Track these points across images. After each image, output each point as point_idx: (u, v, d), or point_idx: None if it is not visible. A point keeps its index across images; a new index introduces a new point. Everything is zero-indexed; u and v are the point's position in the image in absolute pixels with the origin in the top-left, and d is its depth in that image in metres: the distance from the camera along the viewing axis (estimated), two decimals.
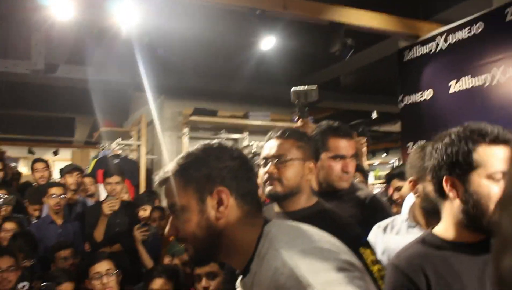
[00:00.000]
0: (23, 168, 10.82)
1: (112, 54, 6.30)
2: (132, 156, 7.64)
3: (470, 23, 4.47)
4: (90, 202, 5.43)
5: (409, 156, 2.28)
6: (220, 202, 1.28)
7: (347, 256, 1.21)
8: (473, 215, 1.50)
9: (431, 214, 2.05)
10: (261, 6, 4.58)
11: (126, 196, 5.53)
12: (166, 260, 3.91)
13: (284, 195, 2.03)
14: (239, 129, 7.32)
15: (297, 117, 2.94)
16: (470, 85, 4.43)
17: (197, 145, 1.38)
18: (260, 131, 7.00)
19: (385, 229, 2.34)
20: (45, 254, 4.20)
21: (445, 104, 4.70)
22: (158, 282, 3.23)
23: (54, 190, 4.58)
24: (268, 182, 2.04)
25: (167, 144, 7.07)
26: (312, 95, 2.93)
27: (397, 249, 1.72)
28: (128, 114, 9.31)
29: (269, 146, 2.09)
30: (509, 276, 0.57)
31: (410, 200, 2.43)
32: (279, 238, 1.25)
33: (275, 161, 2.04)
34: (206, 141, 1.39)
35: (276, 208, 2.12)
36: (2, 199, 4.42)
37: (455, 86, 4.58)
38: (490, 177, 1.47)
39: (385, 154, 14.06)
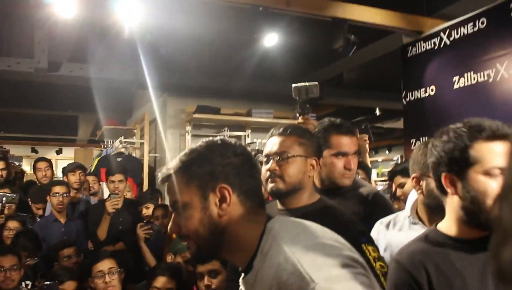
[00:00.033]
0: (27, 167, 10.84)
1: (114, 52, 6.31)
2: (135, 154, 7.65)
3: (473, 18, 4.44)
4: (93, 200, 5.43)
5: (412, 153, 2.27)
6: (222, 199, 1.27)
7: (350, 253, 1.20)
8: (472, 211, 1.50)
9: (434, 210, 2.05)
10: (264, 3, 4.56)
11: (129, 194, 5.53)
12: (168, 258, 3.90)
13: (286, 192, 2.03)
14: (242, 127, 7.32)
15: (298, 114, 2.94)
16: (474, 81, 4.41)
17: (200, 141, 1.37)
18: (263, 129, 6.99)
19: (387, 226, 2.33)
20: (49, 253, 4.20)
21: (448, 100, 4.67)
22: (161, 280, 3.23)
23: (58, 189, 4.58)
24: (270, 179, 2.04)
25: (170, 142, 7.07)
26: (313, 91, 2.92)
27: (399, 246, 1.74)
28: (131, 112, 9.32)
29: (271, 143, 2.09)
30: (510, 268, 0.56)
31: (413, 196, 2.42)
32: (282, 235, 1.24)
33: (277, 158, 2.04)
34: (209, 138, 1.38)
35: (278, 205, 2.12)
36: (5, 198, 4.42)
37: (458, 82, 4.56)
38: (487, 173, 1.47)
39: (387, 151, 14.07)
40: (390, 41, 5.82)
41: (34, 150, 12.73)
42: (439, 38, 4.82)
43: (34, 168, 5.55)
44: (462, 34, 4.57)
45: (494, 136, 1.48)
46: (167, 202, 5.18)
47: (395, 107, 7.70)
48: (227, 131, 6.95)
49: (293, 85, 2.96)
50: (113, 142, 7.31)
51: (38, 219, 4.81)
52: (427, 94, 4.94)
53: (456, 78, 4.58)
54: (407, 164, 2.41)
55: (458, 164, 1.51)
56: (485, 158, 1.47)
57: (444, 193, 1.60)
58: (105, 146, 7.39)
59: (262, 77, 6.99)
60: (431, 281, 1.51)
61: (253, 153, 5.79)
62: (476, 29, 4.42)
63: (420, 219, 2.22)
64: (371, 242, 1.91)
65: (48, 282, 3.28)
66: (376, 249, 1.88)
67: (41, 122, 11.14)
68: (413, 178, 2.15)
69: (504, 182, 0.59)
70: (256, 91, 7.31)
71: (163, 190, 5.49)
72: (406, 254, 1.61)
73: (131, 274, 3.86)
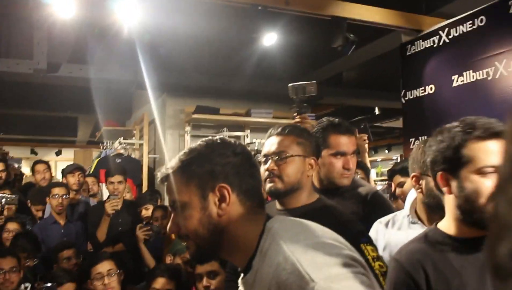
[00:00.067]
0: (26, 169, 10.84)
1: (114, 52, 6.31)
2: (135, 155, 7.64)
3: (472, 17, 4.44)
4: (93, 202, 5.43)
5: (412, 151, 2.26)
6: (222, 199, 1.27)
7: (350, 252, 1.20)
8: (466, 210, 1.51)
9: (433, 209, 2.05)
10: (263, 2, 4.56)
11: (128, 196, 5.52)
12: (168, 259, 3.90)
13: (285, 192, 2.03)
14: (241, 127, 7.31)
15: (295, 113, 2.93)
16: (473, 79, 4.40)
17: (200, 141, 1.36)
18: (262, 129, 6.98)
19: (386, 225, 2.33)
20: (48, 255, 4.20)
21: (447, 99, 4.66)
22: (160, 282, 3.22)
23: (57, 190, 4.57)
24: (268, 179, 2.04)
25: (169, 143, 7.06)
26: (311, 90, 2.91)
27: (398, 245, 1.75)
28: (130, 113, 9.31)
29: (270, 143, 2.09)
30: (506, 264, 0.54)
31: (412, 195, 2.41)
32: (282, 234, 1.23)
33: (276, 158, 2.04)
34: (209, 137, 1.38)
35: (277, 205, 2.12)
36: (4, 199, 4.41)
37: (457, 80, 4.55)
38: (480, 172, 1.48)
39: (387, 150, 14.08)
40: (389, 40, 5.82)
41: (33, 152, 12.73)
42: (438, 36, 4.82)
43: (33, 170, 5.55)
44: (461, 32, 4.57)
45: (487, 134, 1.49)
46: (166, 203, 5.19)
47: (394, 106, 7.69)
48: (226, 131, 6.94)
49: (290, 84, 2.95)
50: (112, 143, 7.30)
51: (38, 221, 4.80)
52: (426, 93, 4.93)
53: (455, 76, 4.57)
54: (407, 163, 2.41)
55: (452, 164, 1.52)
56: (477, 157, 1.48)
57: (441, 191, 1.60)
58: (104, 147, 7.38)
59: (261, 77, 6.98)
60: (429, 281, 1.52)
61: (252, 153, 5.78)
62: (475, 27, 4.42)
63: (419, 219, 2.22)
64: (370, 241, 1.90)
65: (47, 284, 3.27)
66: (375, 248, 1.87)
67: (41, 124, 11.13)
68: (412, 177, 2.15)
69: (499, 177, 0.59)
70: (255, 91, 7.30)
71: (163, 191, 5.49)
72: (405, 253, 1.61)
73: (130, 275, 3.85)
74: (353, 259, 1.16)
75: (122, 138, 7.31)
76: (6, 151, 8.44)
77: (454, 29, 4.63)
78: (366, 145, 4.07)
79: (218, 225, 1.27)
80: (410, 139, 5.04)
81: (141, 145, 7.47)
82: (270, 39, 5.01)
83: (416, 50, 5.09)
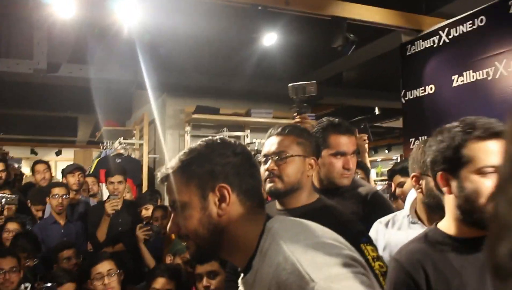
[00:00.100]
0: (26, 169, 10.84)
1: (114, 52, 6.31)
2: (135, 155, 7.64)
3: (472, 17, 4.43)
4: (93, 202, 5.42)
5: (412, 151, 2.26)
6: (222, 199, 1.27)
7: (350, 252, 1.20)
8: (466, 210, 1.51)
9: (433, 209, 2.04)
10: (263, 2, 4.55)
11: (128, 196, 5.52)
12: (168, 259, 3.90)
13: (285, 192, 2.03)
14: (241, 127, 7.31)
15: (295, 113, 2.93)
16: (473, 79, 4.40)
17: (200, 141, 1.36)
18: (262, 129, 6.97)
19: (386, 225, 2.33)
20: (48, 255, 4.19)
21: (447, 99, 4.66)
22: (160, 281, 3.22)
23: (57, 190, 4.57)
24: (268, 179, 2.04)
25: (169, 143, 7.06)
26: (311, 89, 2.91)
27: (398, 245, 1.75)
28: (130, 113, 9.31)
29: (269, 143, 2.09)
30: (506, 264, 0.54)
31: (412, 195, 2.41)
32: (282, 234, 1.23)
33: (276, 158, 2.04)
34: (209, 137, 1.37)
35: (277, 205, 2.12)
36: (4, 199, 4.41)
37: (457, 80, 4.55)
38: (480, 172, 1.48)
39: (387, 150, 14.08)
40: (389, 40, 5.81)
41: (33, 152, 12.73)
42: (438, 36, 4.81)
43: (33, 170, 5.54)
44: (461, 32, 4.56)
45: (487, 134, 1.49)
46: (166, 203, 5.18)
47: (394, 106, 7.69)
48: (226, 131, 6.94)
49: (290, 85, 2.95)
50: (112, 143, 7.30)
51: (38, 221, 4.80)
52: (426, 93, 4.93)
53: (455, 76, 4.57)
54: (407, 163, 2.41)
55: (452, 164, 1.53)
56: (477, 157, 1.48)
57: (442, 192, 1.61)
58: (104, 147, 7.38)
59: (261, 77, 6.98)
60: (429, 281, 1.52)
61: (252, 153, 5.78)
62: (475, 27, 4.42)
63: (419, 219, 2.21)
64: (370, 241, 1.90)
65: (47, 284, 3.27)
66: (375, 248, 1.87)
67: (41, 124, 11.13)
68: (412, 177, 2.15)
69: (499, 177, 0.58)
70: (256, 91, 7.29)
71: (163, 191, 5.48)
72: (405, 253, 1.61)
73: (130, 275, 3.85)
74: (353, 259, 1.16)
75: (122, 138, 7.31)
76: (6, 151, 8.44)
77: (454, 29, 4.63)
78: (366, 145, 4.07)
79: (218, 225, 1.27)
80: (410, 139, 5.04)
81: (141, 145, 7.47)
82: (270, 39, 5.01)
83: (416, 50, 5.09)
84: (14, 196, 4.54)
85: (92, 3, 4.70)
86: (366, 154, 4.10)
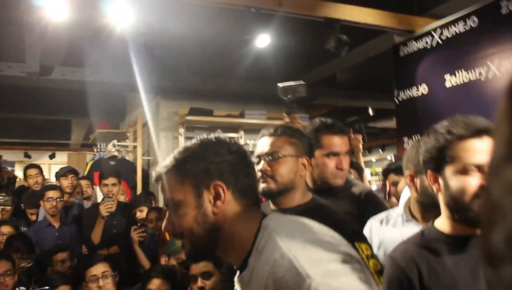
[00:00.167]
0: (19, 172, 10.80)
1: (107, 55, 6.28)
2: (129, 157, 7.63)
3: (465, 17, 4.46)
4: (87, 204, 5.41)
5: (406, 150, 2.27)
6: (217, 197, 1.27)
7: (346, 248, 1.21)
8: (453, 208, 1.54)
9: (427, 208, 2.05)
10: (256, 4, 4.55)
11: (122, 198, 5.51)
12: (162, 260, 3.89)
13: (278, 192, 2.04)
14: (235, 128, 7.32)
15: (285, 113, 2.93)
16: (466, 79, 4.42)
17: (194, 139, 1.36)
18: (256, 130, 6.93)
19: (381, 222, 2.33)
20: (42, 257, 4.18)
21: (440, 99, 4.68)
22: (155, 283, 3.22)
23: (51, 193, 4.56)
24: (261, 179, 2.04)
25: (163, 145, 7.06)
26: (300, 90, 2.91)
27: (393, 243, 1.78)
28: (124, 115, 9.29)
29: (262, 143, 2.10)
30: (499, 251, 0.52)
31: (406, 194, 2.42)
32: (278, 231, 1.24)
33: (268, 158, 2.04)
34: (203, 136, 1.38)
35: (271, 206, 2.12)
36: (1, 200, 4.40)
37: (450, 80, 4.57)
38: (463, 170, 1.50)
39: (381, 150, 14.09)
40: (382, 41, 5.83)
41: (27, 155, 12.68)
42: (430, 37, 4.84)
43: (25, 175, 5.51)
44: (453, 33, 4.58)
45: (469, 133, 1.51)
46: (161, 205, 5.18)
47: (388, 107, 7.71)
48: (220, 133, 6.93)
49: (279, 85, 2.94)
50: (106, 146, 7.29)
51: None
52: (419, 93, 4.95)
53: (448, 76, 4.59)
54: (401, 162, 2.41)
55: (437, 163, 1.56)
56: (460, 156, 1.51)
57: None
58: (98, 150, 7.36)
59: (254, 78, 6.98)
60: (422, 278, 1.54)
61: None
62: (467, 27, 4.44)
63: (413, 217, 2.22)
64: (364, 240, 1.91)
65: (42, 288, 3.26)
66: (369, 247, 1.88)
67: (34, 127, 11.08)
68: (407, 176, 2.15)
69: (492, 160, 0.57)
70: (249, 92, 7.30)
71: (157, 193, 5.48)
72: (400, 251, 1.63)
73: (125, 277, 3.85)
74: (349, 256, 1.17)
75: (115, 140, 7.29)
76: None
77: (447, 29, 4.65)
78: (360, 145, 4.07)
79: (214, 223, 1.27)
80: (404, 139, 5.06)
81: (135, 147, 7.46)
82: (264, 40, 5.01)
83: (409, 51, 5.12)
84: (8, 197, 4.52)
85: (85, 6, 4.68)
86: (360, 154, 4.11)
